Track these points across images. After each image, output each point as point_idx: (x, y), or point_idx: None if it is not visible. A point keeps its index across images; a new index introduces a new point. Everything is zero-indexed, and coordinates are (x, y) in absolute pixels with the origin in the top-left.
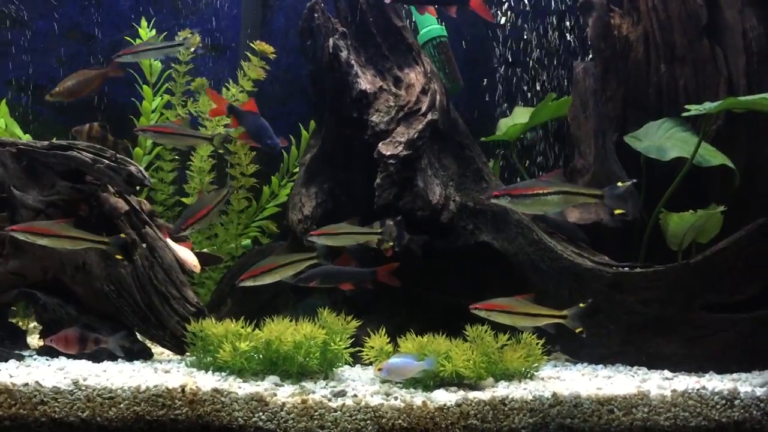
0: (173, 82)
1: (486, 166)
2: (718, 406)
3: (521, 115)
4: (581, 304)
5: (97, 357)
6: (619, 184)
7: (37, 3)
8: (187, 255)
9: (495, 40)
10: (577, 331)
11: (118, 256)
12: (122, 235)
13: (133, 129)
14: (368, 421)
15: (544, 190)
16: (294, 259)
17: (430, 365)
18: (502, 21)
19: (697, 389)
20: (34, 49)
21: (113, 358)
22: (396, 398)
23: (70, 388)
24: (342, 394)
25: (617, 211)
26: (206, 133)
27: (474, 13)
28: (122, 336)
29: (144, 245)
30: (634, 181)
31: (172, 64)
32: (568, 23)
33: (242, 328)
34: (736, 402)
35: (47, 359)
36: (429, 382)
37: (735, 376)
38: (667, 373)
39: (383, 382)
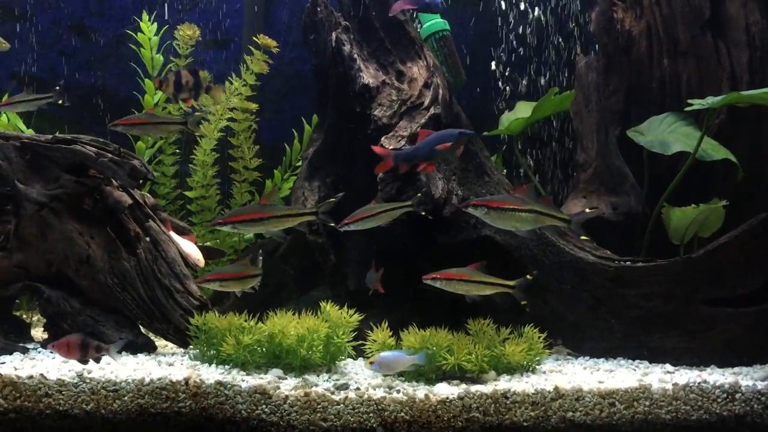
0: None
1: (488, 160)
2: (719, 400)
3: (524, 109)
4: (528, 276)
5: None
6: (587, 210)
7: None
8: (190, 249)
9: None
10: (522, 303)
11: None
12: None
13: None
14: (371, 414)
15: (519, 207)
16: (391, 206)
17: (421, 359)
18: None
19: (699, 383)
20: (36, 42)
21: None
22: (398, 391)
23: (75, 381)
24: (345, 387)
25: (582, 237)
26: (178, 117)
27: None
28: (122, 343)
29: (147, 239)
30: (596, 209)
31: (172, 58)
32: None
33: (245, 321)
34: (738, 395)
35: (51, 352)
36: (431, 375)
37: (736, 369)
38: (668, 366)
39: (384, 375)
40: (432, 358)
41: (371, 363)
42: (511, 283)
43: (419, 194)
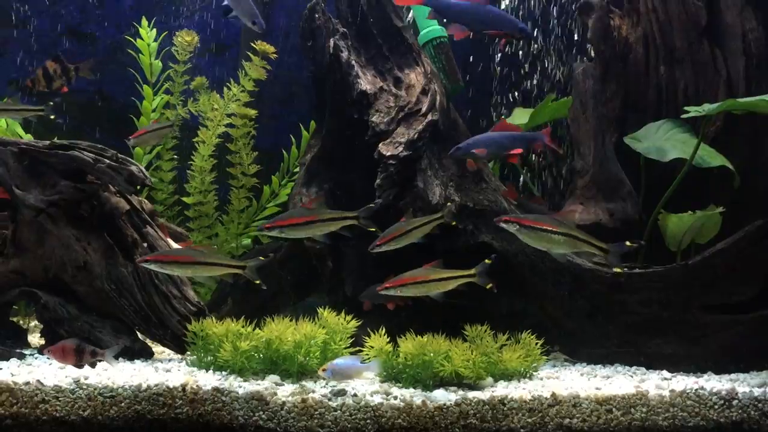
0: (172, 82)
1: (486, 167)
2: (716, 407)
3: (521, 115)
4: (486, 261)
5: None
6: (627, 243)
7: (38, 2)
8: None
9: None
10: (487, 287)
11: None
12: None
13: None
14: (368, 421)
15: (553, 228)
16: (423, 221)
17: (374, 368)
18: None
19: (696, 389)
20: (35, 48)
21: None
22: (396, 398)
23: (72, 387)
24: (342, 393)
25: (616, 271)
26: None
27: None
28: (118, 348)
29: (145, 244)
30: (638, 244)
31: (170, 63)
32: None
33: (243, 327)
34: (734, 402)
35: (48, 358)
36: (429, 381)
37: (733, 376)
38: (665, 373)
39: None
40: (384, 366)
41: (323, 370)
42: (471, 271)
43: (449, 203)
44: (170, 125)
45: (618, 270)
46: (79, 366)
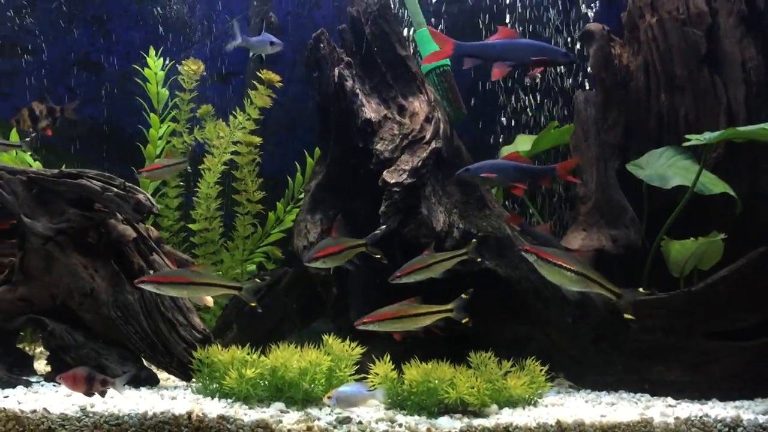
0: (179, 110)
1: (489, 193)
2: None
3: (523, 142)
4: (463, 295)
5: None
6: (641, 290)
7: (48, 31)
8: None
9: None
10: (463, 321)
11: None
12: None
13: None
14: None
15: (568, 266)
16: (446, 257)
17: (379, 396)
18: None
19: (700, 416)
20: (44, 77)
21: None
22: (401, 425)
23: (78, 415)
24: (347, 420)
25: (626, 317)
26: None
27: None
28: (128, 377)
29: (151, 272)
30: (651, 293)
31: (177, 92)
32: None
33: (248, 354)
34: (739, 429)
35: (54, 385)
36: (434, 408)
37: (738, 403)
38: (670, 400)
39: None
40: (389, 394)
41: (329, 397)
42: (449, 306)
43: (474, 240)
44: (184, 162)
45: (629, 317)
46: (89, 394)
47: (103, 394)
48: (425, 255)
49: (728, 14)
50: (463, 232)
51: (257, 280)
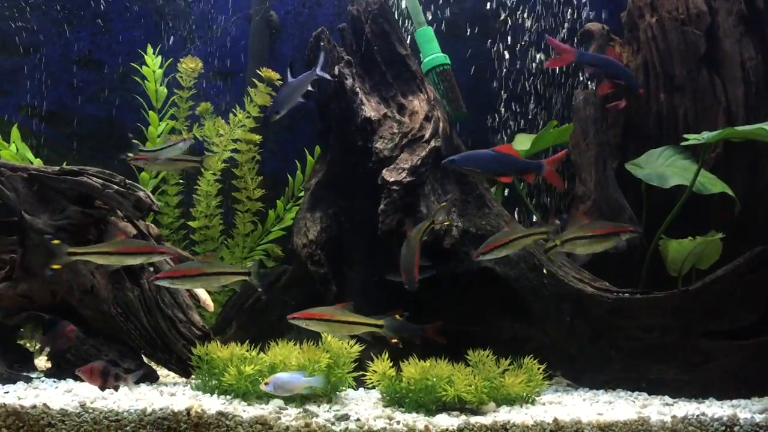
0: (177, 108)
1: (488, 192)
2: None
3: (522, 141)
4: (397, 316)
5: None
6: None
7: (49, 30)
8: (200, 292)
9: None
10: (392, 341)
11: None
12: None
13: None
14: None
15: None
16: (527, 233)
17: (317, 382)
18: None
19: (697, 415)
20: (45, 75)
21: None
22: (398, 422)
23: (78, 411)
24: (345, 417)
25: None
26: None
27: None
28: (139, 374)
29: (151, 269)
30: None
31: (175, 90)
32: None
33: (247, 351)
34: (736, 428)
35: (54, 381)
36: (431, 406)
37: (734, 402)
38: (667, 398)
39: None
40: (327, 381)
41: (266, 384)
42: (379, 322)
43: (556, 220)
44: (200, 160)
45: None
46: (104, 388)
47: (116, 388)
48: (504, 231)
49: (728, 14)
50: (461, 231)
51: (263, 270)
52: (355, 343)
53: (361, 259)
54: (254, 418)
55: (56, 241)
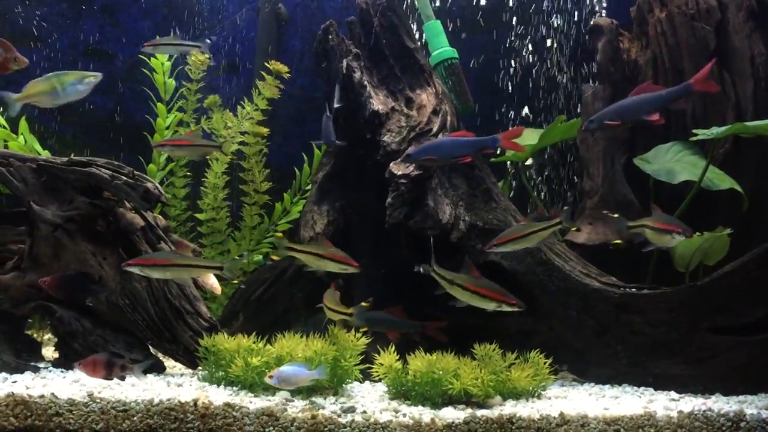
0: (185, 100)
1: (495, 186)
2: (723, 428)
3: (530, 136)
4: (363, 303)
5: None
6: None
7: (57, 21)
8: (209, 276)
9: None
10: (361, 329)
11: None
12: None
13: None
14: None
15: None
16: (542, 226)
17: (320, 374)
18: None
19: (704, 411)
20: (52, 66)
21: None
22: (404, 415)
23: (85, 400)
24: (351, 410)
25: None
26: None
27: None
28: (147, 364)
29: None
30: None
31: (184, 83)
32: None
33: (254, 343)
34: (742, 424)
35: (62, 371)
36: (438, 399)
37: (741, 398)
38: (673, 394)
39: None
40: (331, 372)
41: (270, 377)
42: (349, 310)
43: (566, 207)
44: (219, 145)
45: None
46: (109, 379)
47: (123, 378)
48: (522, 224)
49: (737, 9)
50: (468, 225)
51: (236, 257)
52: (362, 336)
53: (368, 252)
54: (261, 409)
55: (279, 234)
